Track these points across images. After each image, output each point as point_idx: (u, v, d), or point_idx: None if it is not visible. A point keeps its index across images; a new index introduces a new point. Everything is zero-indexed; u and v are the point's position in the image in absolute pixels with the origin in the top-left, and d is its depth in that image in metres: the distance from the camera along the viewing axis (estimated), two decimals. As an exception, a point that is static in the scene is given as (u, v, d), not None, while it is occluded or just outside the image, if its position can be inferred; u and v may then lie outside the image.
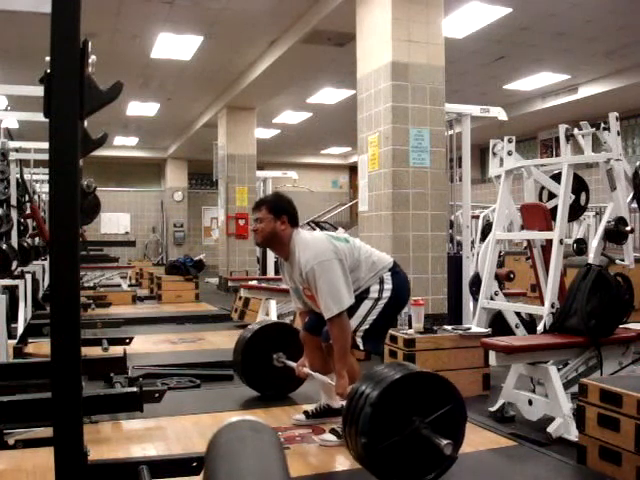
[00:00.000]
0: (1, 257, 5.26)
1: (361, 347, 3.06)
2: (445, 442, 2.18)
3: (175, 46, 8.44)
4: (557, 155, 10.65)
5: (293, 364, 3.40)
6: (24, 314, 5.67)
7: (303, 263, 2.91)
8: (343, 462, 2.80)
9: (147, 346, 5.68)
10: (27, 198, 6.78)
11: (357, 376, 2.98)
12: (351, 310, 2.96)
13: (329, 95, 11.14)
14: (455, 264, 5.64)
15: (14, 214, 5.88)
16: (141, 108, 12.16)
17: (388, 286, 3.05)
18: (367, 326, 3.01)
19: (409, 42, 5.47)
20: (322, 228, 8.42)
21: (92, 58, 1.73)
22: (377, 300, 3.03)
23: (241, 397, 3.83)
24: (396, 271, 3.12)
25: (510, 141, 4.35)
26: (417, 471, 2.28)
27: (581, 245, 3.89)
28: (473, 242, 6.11)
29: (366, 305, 3.02)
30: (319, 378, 3.17)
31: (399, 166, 5.39)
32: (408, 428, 2.23)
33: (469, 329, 4.16)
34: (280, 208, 3.03)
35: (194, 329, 6.93)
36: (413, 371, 2.40)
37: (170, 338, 6.23)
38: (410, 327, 4.09)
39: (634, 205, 3.96)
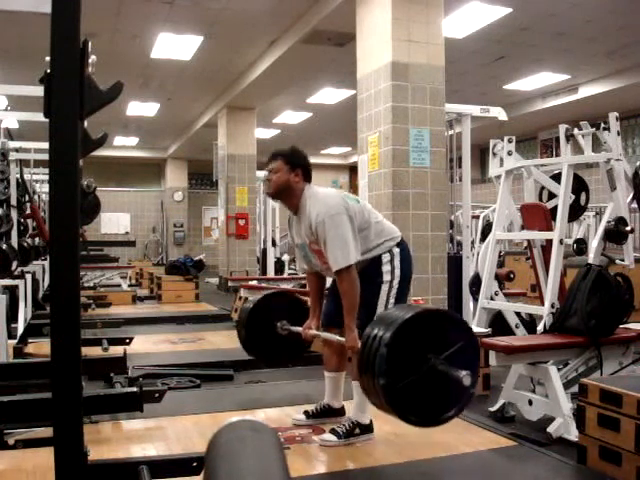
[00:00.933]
0: (1, 257, 5.26)
1: None
2: (464, 373, 2.19)
3: (175, 46, 8.44)
4: (557, 155, 10.64)
5: (298, 329, 3.36)
6: (24, 314, 5.67)
7: (314, 216, 2.88)
8: (343, 462, 2.80)
9: (147, 346, 5.68)
10: (27, 198, 6.78)
11: None
12: (371, 306, 2.92)
13: (329, 95, 11.14)
14: (455, 264, 5.64)
15: (14, 214, 5.88)
16: (141, 108, 12.17)
17: (397, 263, 3.00)
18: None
19: (409, 42, 5.47)
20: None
21: (92, 58, 1.73)
22: (391, 282, 2.99)
23: (241, 397, 3.83)
24: (402, 247, 3.09)
25: (510, 141, 4.35)
26: (437, 408, 2.29)
27: (581, 245, 3.89)
28: (473, 242, 6.11)
29: (383, 293, 2.97)
30: (326, 337, 3.11)
31: (399, 166, 5.39)
32: (425, 366, 2.24)
33: (469, 329, 4.15)
34: (296, 161, 3.04)
35: (194, 329, 6.93)
36: (423, 309, 2.42)
37: (170, 338, 6.23)
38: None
39: (634, 205, 3.96)
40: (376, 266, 2.98)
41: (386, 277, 2.99)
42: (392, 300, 2.98)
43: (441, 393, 2.28)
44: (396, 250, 3.04)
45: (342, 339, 2.91)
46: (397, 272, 3.01)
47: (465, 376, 2.19)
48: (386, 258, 3.00)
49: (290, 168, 3.00)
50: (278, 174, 3.01)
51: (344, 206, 2.91)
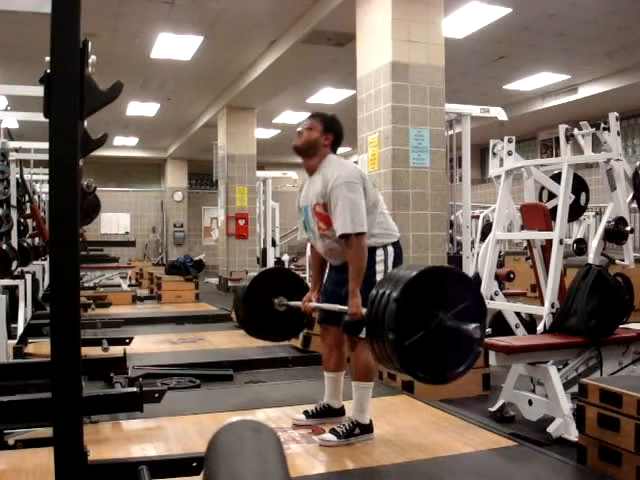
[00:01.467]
0: (1, 257, 5.27)
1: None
2: (473, 326, 2.21)
3: (175, 46, 8.44)
4: (557, 155, 10.65)
5: (297, 303, 3.35)
6: (24, 314, 5.67)
7: (333, 177, 2.92)
8: (343, 462, 2.80)
9: (147, 346, 5.68)
10: (27, 198, 6.78)
11: (373, 373, 2.99)
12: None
13: (329, 95, 11.14)
14: (455, 264, 5.64)
15: (14, 214, 5.89)
16: (141, 108, 12.17)
17: (390, 264, 2.99)
18: None
19: (409, 42, 5.47)
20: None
21: (92, 58, 1.73)
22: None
23: (241, 397, 3.83)
24: (397, 248, 3.07)
25: (510, 141, 4.35)
26: (447, 365, 2.31)
27: (581, 245, 3.89)
28: (473, 242, 6.11)
29: None
30: (327, 307, 3.10)
31: (399, 166, 5.39)
32: (433, 322, 2.25)
33: (469, 329, 4.15)
34: (332, 126, 3.10)
35: (194, 329, 6.93)
36: (430, 267, 2.46)
37: (170, 338, 6.23)
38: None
39: (634, 205, 3.96)
40: (370, 263, 2.95)
41: (379, 277, 2.98)
42: None
43: (450, 350, 2.29)
44: (390, 249, 3.03)
45: (344, 307, 2.89)
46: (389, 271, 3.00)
47: (475, 329, 2.20)
48: (380, 256, 2.99)
49: (324, 130, 3.07)
50: (311, 131, 3.08)
51: (363, 178, 2.97)
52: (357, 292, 2.83)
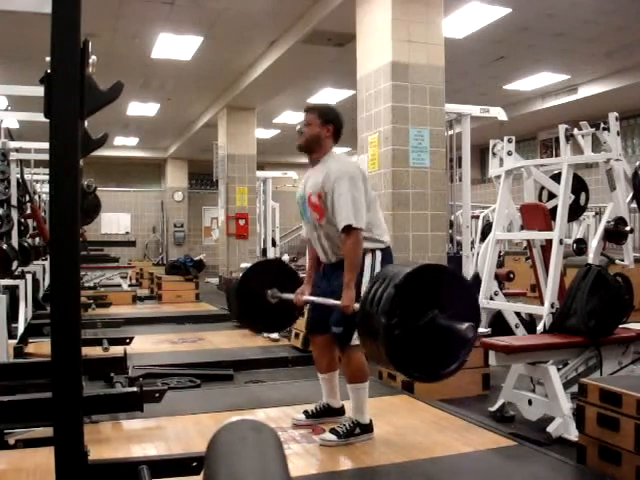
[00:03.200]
0: (2, 257, 5.27)
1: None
2: (466, 325, 2.20)
3: (175, 46, 8.44)
4: (557, 155, 10.64)
5: (290, 296, 3.33)
6: (24, 314, 5.67)
7: (336, 169, 2.94)
8: (343, 462, 2.80)
9: (147, 346, 5.68)
10: (27, 198, 6.78)
11: (367, 374, 2.99)
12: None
13: (329, 95, 11.13)
14: (455, 264, 5.64)
15: (14, 214, 5.88)
16: (141, 108, 12.17)
17: (377, 267, 2.95)
18: None
19: (409, 42, 5.47)
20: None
21: (92, 58, 1.73)
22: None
23: (241, 397, 3.83)
24: (386, 255, 3.04)
25: (510, 141, 4.36)
26: (438, 363, 2.31)
27: (581, 245, 3.89)
28: (473, 242, 6.12)
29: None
30: (319, 301, 3.08)
31: (399, 166, 5.39)
32: (427, 317, 2.26)
33: (469, 329, 4.15)
34: (330, 117, 3.09)
35: (194, 329, 6.93)
36: (430, 264, 2.51)
37: (170, 338, 6.23)
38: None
39: (634, 205, 3.96)
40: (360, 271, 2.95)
41: (364, 287, 2.98)
42: None
43: (441, 348, 2.29)
44: (378, 254, 3.00)
45: (337, 302, 2.86)
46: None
47: (468, 328, 2.20)
48: (367, 261, 2.96)
49: (323, 122, 3.07)
50: (311, 126, 3.08)
51: (364, 177, 3.01)
52: (351, 285, 2.83)
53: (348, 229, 2.85)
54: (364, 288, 2.85)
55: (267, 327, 3.71)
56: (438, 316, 2.26)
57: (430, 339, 2.27)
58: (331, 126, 3.08)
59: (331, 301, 2.95)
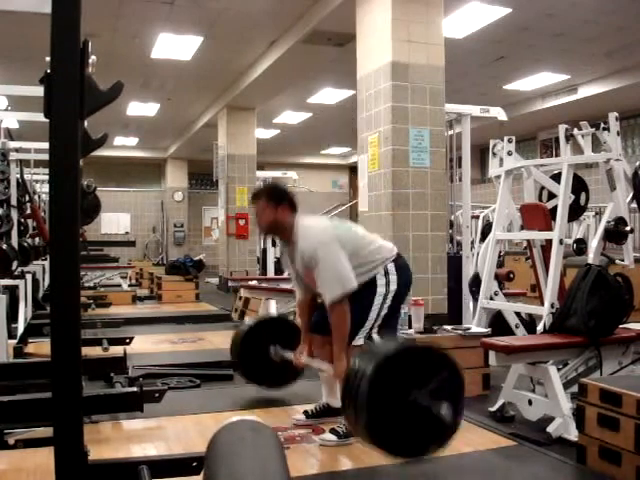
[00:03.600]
0: (1, 257, 5.26)
1: None
2: (445, 410, 2.19)
3: (175, 46, 8.44)
4: (557, 155, 10.63)
5: (290, 355, 3.39)
6: (24, 314, 5.67)
7: (305, 247, 2.94)
8: (343, 462, 2.80)
9: (147, 346, 5.68)
10: (27, 198, 6.78)
11: None
12: (363, 312, 2.98)
13: (329, 95, 11.14)
14: (455, 264, 5.64)
15: (14, 214, 5.88)
16: (141, 108, 12.16)
17: (393, 277, 3.05)
18: (380, 321, 3.04)
19: (409, 42, 5.47)
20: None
21: (92, 58, 1.73)
22: (386, 295, 3.03)
23: (241, 397, 3.83)
24: (399, 263, 3.12)
25: (510, 141, 4.35)
26: (421, 443, 2.29)
27: (581, 245, 3.89)
28: (473, 242, 6.11)
29: (377, 303, 3.02)
30: (317, 365, 3.17)
31: (399, 166, 5.39)
32: (408, 400, 2.24)
33: (469, 329, 4.16)
34: (279, 196, 3.07)
35: (194, 329, 6.93)
36: (406, 346, 2.42)
37: (170, 338, 6.23)
38: (410, 327, 4.09)
39: (634, 205, 3.96)
40: (372, 281, 3.04)
41: (380, 290, 3.04)
42: (383, 313, 3.04)
43: (423, 428, 2.27)
44: (390, 266, 3.08)
45: (331, 369, 3.00)
46: (392, 286, 3.05)
47: (447, 413, 2.19)
48: (380, 276, 3.05)
49: (274, 205, 3.04)
50: (265, 213, 3.07)
51: (335, 235, 2.97)
52: (342, 356, 2.89)
53: (332, 303, 2.89)
54: (380, 290, 3.00)
55: (271, 384, 3.72)
56: (420, 396, 2.24)
57: (413, 419, 2.25)
58: (284, 204, 3.05)
59: (326, 365, 3.07)
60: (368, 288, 3.03)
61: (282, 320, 3.98)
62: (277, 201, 3.05)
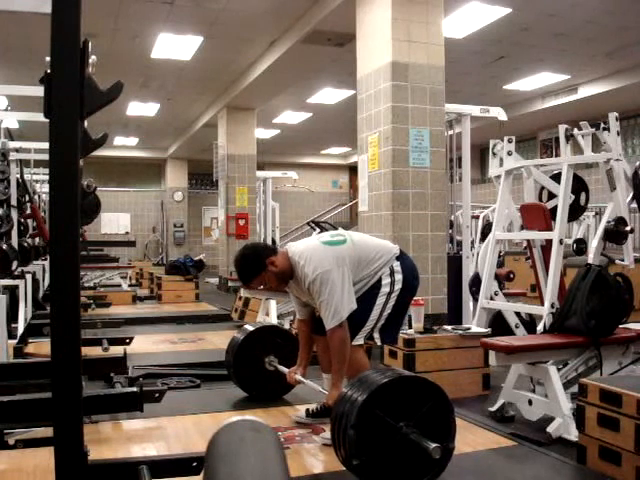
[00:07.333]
0: (1, 257, 5.26)
1: (379, 342, 3.13)
2: (433, 446, 2.18)
3: (175, 46, 8.44)
4: (557, 155, 10.65)
5: (285, 369, 3.42)
6: (24, 314, 5.67)
7: (304, 278, 2.97)
8: (343, 462, 2.80)
9: (147, 346, 5.68)
10: (27, 198, 6.78)
11: (365, 369, 3.00)
12: (364, 313, 2.99)
13: (329, 95, 11.14)
14: (455, 264, 5.64)
15: (14, 214, 5.88)
16: (141, 108, 12.17)
17: (399, 277, 3.05)
18: (383, 321, 3.04)
19: (409, 42, 5.47)
20: (322, 228, 8.42)
21: (92, 58, 1.73)
22: (390, 293, 3.04)
23: (241, 397, 3.83)
24: (403, 258, 3.13)
25: (510, 141, 4.35)
26: (411, 477, 2.28)
27: (581, 245, 3.88)
28: (473, 242, 6.11)
29: (379, 303, 3.02)
30: (310, 385, 3.21)
31: (399, 166, 5.40)
32: (396, 436, 2.24)
33: (469, 329, 4.16)
34: (258, 265, 3.04)
35: (194, 329, 6.93)
36: (385, 381, 2.33)
37: (170, 338, 6.23)
38: (410, 327, 4.09)
39: (634, 205, 3.96)
40: (377, 282, 3.06)
41: (384, 289, 3.05)
42: (386, 313, 3.04)
43: (415, 461, 2.26)
44: (396, 264, 3.09)
45: (326, 392, 3.02)
46: (397, 285, 3.06)
47: (434, 449, 2.18)
48: (385, 276, 3.06)
49: (264, 271, 3.04)
50: (269, 281, 3.09)
51: (331, 257, 2.95)
52: (339, 385, 2.89)
53: (332, 330, 2.90)
54: (385, 289, 3.02)
55: (263, 395, 3.72)
56: (409, 430, 2.23)
57: (402, 453, 2.24)
58: (267, 260, 3.03)
59: (320, 388, 3.10)
60: (372, 287, 3.04)
61: (278, 330, 3.97)
62: (262, 266, 3.02)
